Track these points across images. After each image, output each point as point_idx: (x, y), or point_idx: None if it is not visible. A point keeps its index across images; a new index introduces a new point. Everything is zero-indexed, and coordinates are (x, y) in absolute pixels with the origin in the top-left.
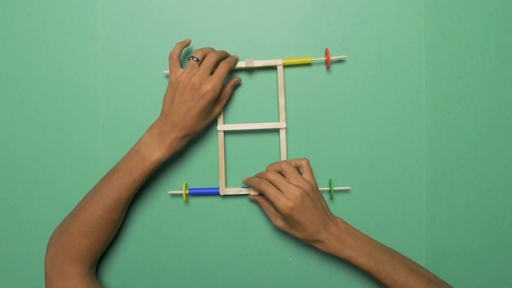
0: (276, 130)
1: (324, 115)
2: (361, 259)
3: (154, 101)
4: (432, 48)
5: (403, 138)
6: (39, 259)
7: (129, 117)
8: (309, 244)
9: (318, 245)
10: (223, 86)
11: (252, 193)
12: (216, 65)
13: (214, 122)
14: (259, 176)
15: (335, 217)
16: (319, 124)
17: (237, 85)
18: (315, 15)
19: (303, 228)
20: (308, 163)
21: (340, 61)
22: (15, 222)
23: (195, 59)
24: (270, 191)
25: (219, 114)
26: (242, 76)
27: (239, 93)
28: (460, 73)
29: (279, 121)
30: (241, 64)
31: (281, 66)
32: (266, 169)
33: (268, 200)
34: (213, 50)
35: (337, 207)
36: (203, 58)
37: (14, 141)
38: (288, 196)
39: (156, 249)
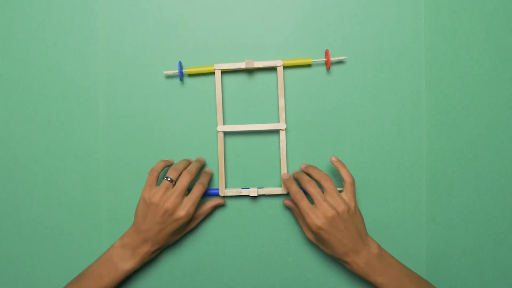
0: (276, 131)
1: (324, 116)
2: (388, 287)
3: (154, 101)
4: (432, 48)
5: (403, 138)
6: (39, 259)
7: (129, 117)
8: (337, 260)
9: (345, 265)
10: (203, 204)
11: (283, 189)
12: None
13: (214, 122)
14: (300, 177)
15: (369, 241)
16: (319, 125)
17: (237, 89)
18: (315, 15)
19: (330, 247)
20: (353, 183)
21: (340, 62)
22: (15, 222)
23: (169, 179)
24: (303, 204)
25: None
26: (242, 77)
27: (239, 94)
28: (460, 73)
29: (279, 122)
30: (241, 65)
31: (281, 67)
32: (307, 170)
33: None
34: (187, 165)
35: None
36: (178, 177)
37: (14, 141)
38: (319, 214)
39: None
